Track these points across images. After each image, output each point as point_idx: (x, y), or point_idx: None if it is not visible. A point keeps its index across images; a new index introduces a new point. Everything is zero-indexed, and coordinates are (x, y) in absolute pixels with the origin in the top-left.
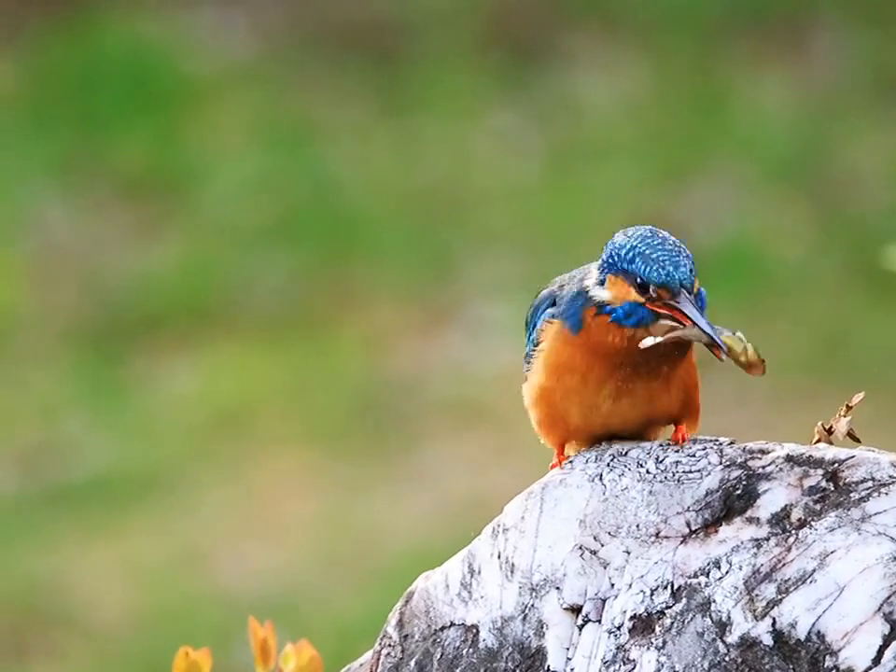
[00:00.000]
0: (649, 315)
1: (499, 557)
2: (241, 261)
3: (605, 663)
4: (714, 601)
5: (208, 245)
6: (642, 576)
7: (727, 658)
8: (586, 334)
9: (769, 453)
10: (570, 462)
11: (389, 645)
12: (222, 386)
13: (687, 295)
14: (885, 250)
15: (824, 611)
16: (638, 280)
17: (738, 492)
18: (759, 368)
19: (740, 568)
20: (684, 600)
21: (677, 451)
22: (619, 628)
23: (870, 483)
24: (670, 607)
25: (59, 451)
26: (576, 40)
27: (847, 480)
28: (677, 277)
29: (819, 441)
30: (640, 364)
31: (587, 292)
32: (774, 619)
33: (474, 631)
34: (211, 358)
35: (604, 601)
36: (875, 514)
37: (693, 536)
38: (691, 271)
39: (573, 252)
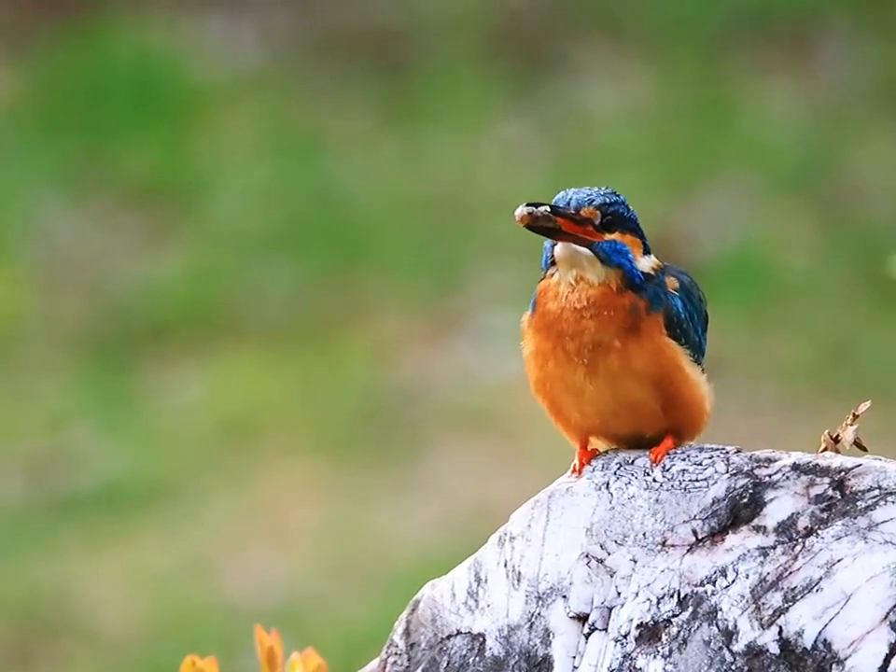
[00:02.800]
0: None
1: (506, 566)
2: (248, 270)
3: (611, 671)
4: (721, 609)
5: (215, 254)
6: (649, 584)
7: (734, 667)
8: (538, 308)
9: (776, 461)
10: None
11: (396, 653)
12: (229, 395)
13: (565, 208)
14: (891, 259)
15: (831, 620)
16: None
17: (745, 500)
18: (523, 220)
19: (747, 577)
20: (691, 609)
21: (683, 459)
22: (625, 637)
23: (877, 492)
24: (677, 615)
25: (66, 460)
26: (583, 50)
27: (854, 488)
28: (568, 197)
29: (825, 449)
30: (583, 333)
31: None
32: (780, 627)
33: (481, 639)
34: (218, 368)
35: (610, 609)
36: (882, 523)
37: (700, 544)
38: (589, 200)
39: None
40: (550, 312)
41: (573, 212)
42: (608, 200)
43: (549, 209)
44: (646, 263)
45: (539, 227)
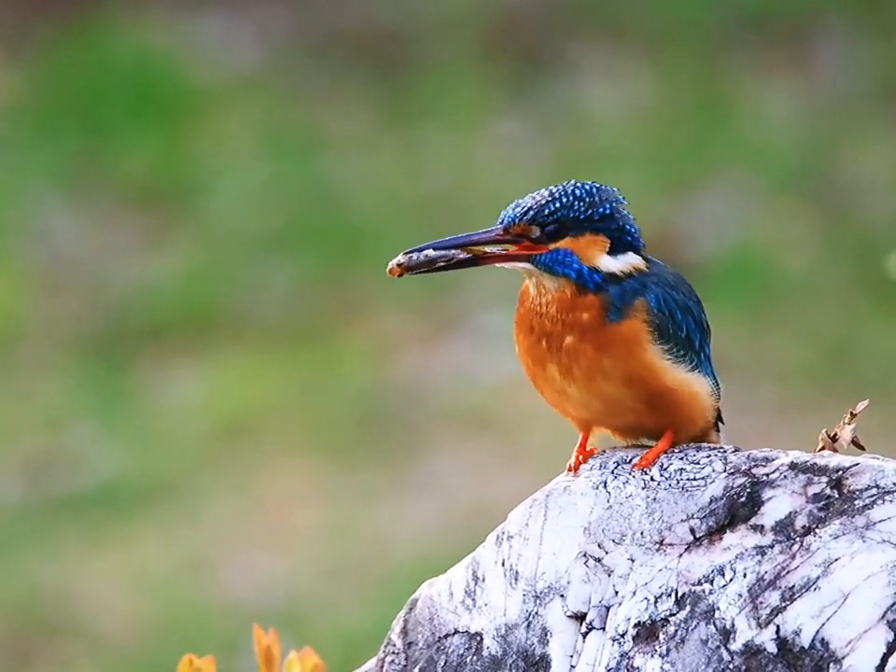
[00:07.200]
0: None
1: (503, 565)
2: (247, 270)
3: (609, 670)
4: (718, 609)
5: (214, 254)
6: (646, 583)
7: (731, 666)
8: (518, 308)
9: (773, 460)
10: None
11: (393, 653)
12: (228, 395)
13: (497, 227)
14: (890, 259)
15: (828, 619)
16: None
17: (742, 499)
18: (393, 272)
19: (744, 576)
20: (688, 608)
21: (681, 458)
22: (623, 636)
23: (874, 491)
24: (674, 614)
25: (64, 459)
26: (581, 49)
27: (852, 487)
28: (505, 214)
29: (823, 448)
30: (552, 337)
31: None
32: (778, 626)
33: (478, 639)
34: (217, 367)
35: (608, 609)
36: (880, 522)
37: (698, 543)
38: (522, 213)
39: None
40: (525, 313)
41: (499, 233)
42: (549, 209)
43: (432, 249)
44: (611, 264)
45: (433, 269)
